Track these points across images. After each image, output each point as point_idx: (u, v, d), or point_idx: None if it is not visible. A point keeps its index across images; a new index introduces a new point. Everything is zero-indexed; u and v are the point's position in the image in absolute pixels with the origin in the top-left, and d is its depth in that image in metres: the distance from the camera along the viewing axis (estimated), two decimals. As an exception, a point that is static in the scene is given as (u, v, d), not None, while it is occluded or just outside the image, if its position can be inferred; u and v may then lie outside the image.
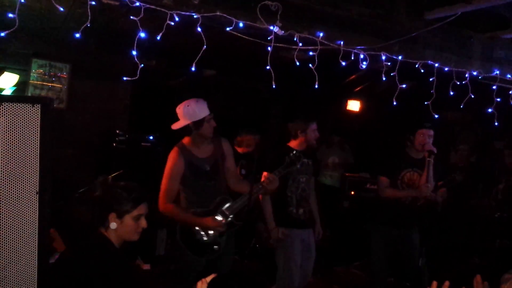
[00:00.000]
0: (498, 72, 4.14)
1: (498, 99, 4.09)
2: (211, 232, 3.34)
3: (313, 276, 5.51)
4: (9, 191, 1.85)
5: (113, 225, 2.27)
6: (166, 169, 3.35)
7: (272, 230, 3.90)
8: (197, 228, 3.33)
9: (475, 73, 4.03)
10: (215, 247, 3.37)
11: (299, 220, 4.01)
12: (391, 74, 3.68)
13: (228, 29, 3.07)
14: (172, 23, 2.87)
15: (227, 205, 3.42)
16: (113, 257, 2.26)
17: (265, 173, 3.54)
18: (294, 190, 4.00)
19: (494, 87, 4.13)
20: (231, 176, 3.60)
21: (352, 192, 6.55)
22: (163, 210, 3.29)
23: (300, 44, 3.29)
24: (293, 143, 4.08)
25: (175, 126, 3.40)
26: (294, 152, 3.61)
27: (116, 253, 2.29)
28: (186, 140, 3.47)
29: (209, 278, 1.60)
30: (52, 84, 5.50)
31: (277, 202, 3.93)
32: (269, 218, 3.91)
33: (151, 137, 5.61)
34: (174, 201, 3.37)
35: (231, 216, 3.39)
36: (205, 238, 3.33)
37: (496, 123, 4.09)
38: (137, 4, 2.74)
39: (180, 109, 3.40)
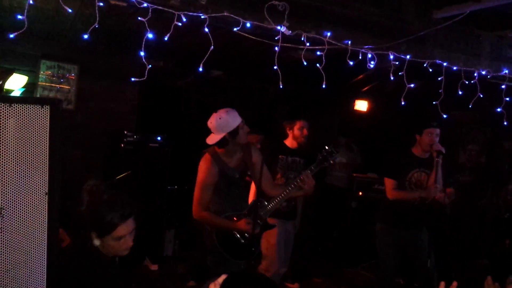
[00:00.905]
0: (507, 71, 4.11)
1: (507, 99, 4.06)
2: (247, 234, 3.35)
3: (321, 277, 5.51)
4: (18, 192, 1.86)
5: (96, 241, 2.25)
6: (199, 177, 3.32)
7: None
8: (234, 232, 3.35)
9: (483, 72, 4.00)
10: (253, 249, 3.41)
11: (282, 212, 4.21)
12: (399, 73, 3.67)
13: (235, 29, 3.07)
14: (180, 24, 2.88)
15: (262, 207, 3.44)
16: (102, 269, 2.25)
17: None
18: (282, 185, 4.12)
19: (503, 87, 4.10)
20: (265, 181, 3.54)
21: (360, 193, 6.52)
22: (198, 218, 3.30)
23: (308, 44, 3.28)
24: (287, 141, 4.36)
25: (211, 141, 3.34)
26: (327, 148, 3.57)
27: (105, 264, 2.27)
28: (217, 148, 3.41)
29: (221, 279, 1.60)
30: (61, 85, 5.53)
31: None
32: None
33: (158, 138, 5.63)
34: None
35: (265, 217, 3.45)
36: (242, 241, 3.36)
37: (505, 123, 4.06)
38: (145, 5, 2.75)
39: (212, 123, 3.33)
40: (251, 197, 3.98)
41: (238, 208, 3.41)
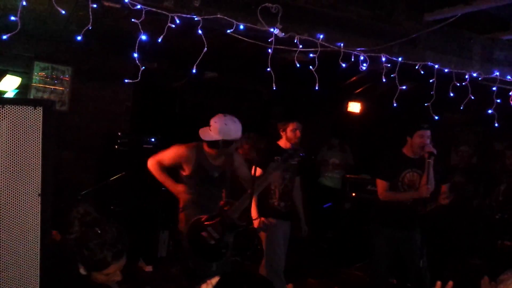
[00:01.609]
0: (498, 73, 4.14)
1: (498, 100, 4.09)
2: (216, 235, 3.42)
3: (315, 277, 5.53)
4: (11, 193, 1.86)
5: (82, 271, 2.13)
6: (173, 147, 3.60)
7: (255, 219, 4.17)
8: (203, 234, 3.42)
9: (475, 75, 4.04)
10: (223, 250, 3.48)
11: (281, 212, 4.32)
12: (391, 75, 3.69)
13: (228, 31, 3.08)
14: (173, 26, 2.89)
15: (232, 208, 3.56)
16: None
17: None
18: (278, 185, 4.28)
19: (494, 89, 4.14)
20: (246, 183, 3.81)
21: (353, 194, 6.55)
22: (149, 165, 3.62)
23: (301, 46, 3.30)
24: (281, 142, 4.41)
25: (204, 135, 3.49)
26: (288, 150, 3.95)
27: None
28: (202, 143, 3.57)
29: (214, 281, 1.59)
30: (54, 87, 5.52)
31: (262, 195, 4.14)
32: (253, 208, 4.11)
33: (152, 139, 5.62)
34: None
35: (234, 217, 3.52)
36: (212, 242, 3.42)
37: (496, 124, 4.09)
38: (138, 6, 2.75)
39: (216, 123, 3.46)
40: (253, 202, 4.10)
41: (209, 209, 3.54)
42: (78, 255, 2.08)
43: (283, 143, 4.41)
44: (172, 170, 3.71)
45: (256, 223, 4.18)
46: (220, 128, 3.43)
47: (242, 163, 3.87)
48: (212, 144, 3.47)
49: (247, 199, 3.57)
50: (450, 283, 1.93)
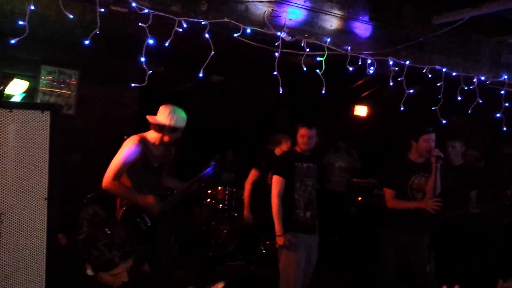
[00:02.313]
0: (506, 76, 4.12)
1: (507, 104, 4.06)
2: (149, 222, 3.57)
3: (321, 281, 5.50)
4: (18, 197, 1.86)
5: (89, 272, 2.15)
6: (122, 152, 3.46)
7: (280, 235, 3.92)
8: (138, 219, 3.53)
9: (483, 78, 4.02)
10: (151, 236, 3.61)
11: (306, 224, 4.03)
12: (399, 79, 3.67)
13: (235, 35, 3.08)
14: (180, 30, 2.89)
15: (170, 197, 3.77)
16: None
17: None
18: (302, 193, 4.00)
19: (502, 92, 4.11)
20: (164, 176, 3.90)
21: (360, 198, 6.51)
22: (109, 186, 3.39)
23: (308, 50, 3.30)
24: (297, 147, 4.17)
25: (153, 119, 3.56)
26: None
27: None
28: (148, 135, 3.62)
29: (220, 285, 1.59)
30: (61, 91, 5.54)
31: (285, 205, 3.95)
32: (278, 222, 3.92)
33: (158, 143, 5.62)
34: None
35: (167, 207, 3.70)
36: (144, 228, 3.55)
37: (504, 128, 4.06)
38: (146, 11, 2.76)
39: (167, 109, 3.52)
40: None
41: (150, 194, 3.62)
42: (86, 255, 2.09)
43: (298, 148, 4.14)
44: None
45: (280, 241, 3.90)
46: (170, 114, 3.51)
47: (172, 158, 3.94)
48: (158, 128, 3.54)
49: (180, 196, 3.77)
50: (456, 287, 1.91)
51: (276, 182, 3.95)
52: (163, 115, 3.51)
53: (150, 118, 3.58)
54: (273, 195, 3.94)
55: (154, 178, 3.67)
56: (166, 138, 3.57)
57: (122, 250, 2.09)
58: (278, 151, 5.20)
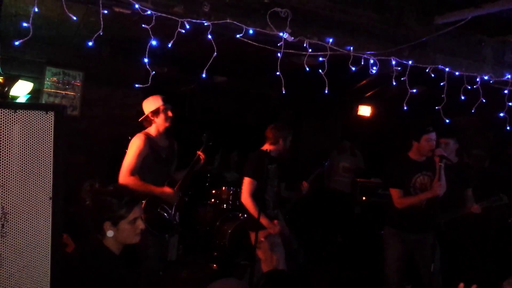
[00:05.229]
0: (509, 76, 4.11)
1: (510, 104, 4.05)
2: (170, 210, 3.77)
3: (325, 281, 5.50)
4: (23, 197, 1.88)
5: (110, 233, 2.27)
6: (132, 148, 3.70)
7: (270, 226, 4.12)
8: (159, 210, 3.71)
9: (486, 78, 4.01)
10: (174, 222, 3.82)
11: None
12: (402, 79, 3.68)
13: (238, 36, 3.09)
14: (183, 31, 2.90)
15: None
16: (110, 266, 2.26)
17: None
18: (271, 195, 4.35)
19: (505, 91, 4.10)
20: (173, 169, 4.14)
21: (364, 198, 6.50)
22: (126, 182, 3.57)
23: (310, 50, 3.30)
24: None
25: (141, 118, 3.88)
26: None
27: (113, 260, 2.28)
28: (149, 131, 3.86)
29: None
30: (66, 92, 5.58)
31: (258, 207, 4.09)
32: (263, 219, 4.05)
33: (162, 143, 5.63)
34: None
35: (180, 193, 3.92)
36: (167, 216, 3.74)
37: (508, 128, 4.05)
38: (149, 12, 2.78)
39: (143, 105, 3.89)
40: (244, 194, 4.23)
41: (161, 183, 3.79)
42: (99, 214, 2.26)
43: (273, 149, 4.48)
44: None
45: (276, 227, 4.12)
46: (143, 106, 3.87)
47: (177, 154, 4.13)
48: (148, 121, 3.85)
49: (185, 174, 3.99)
50: (474, 287, 1.91)
51: (249, 184, 4.18)
52: (144, 109, 3.87)
53: (140, 119, 3.90)
54: (246, 196, 4.15)
55: (165, 168, 3.91)
56: (159, 125, 3.84)
57: (130, 195, 2.33)
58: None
